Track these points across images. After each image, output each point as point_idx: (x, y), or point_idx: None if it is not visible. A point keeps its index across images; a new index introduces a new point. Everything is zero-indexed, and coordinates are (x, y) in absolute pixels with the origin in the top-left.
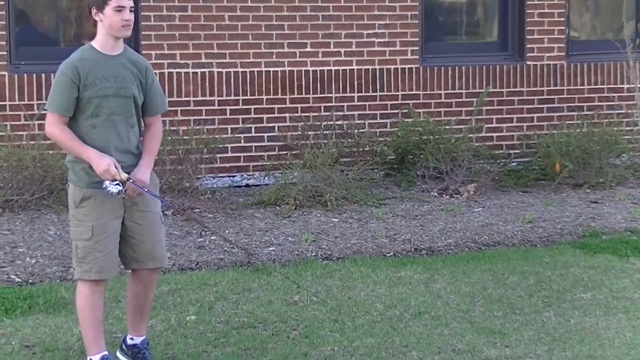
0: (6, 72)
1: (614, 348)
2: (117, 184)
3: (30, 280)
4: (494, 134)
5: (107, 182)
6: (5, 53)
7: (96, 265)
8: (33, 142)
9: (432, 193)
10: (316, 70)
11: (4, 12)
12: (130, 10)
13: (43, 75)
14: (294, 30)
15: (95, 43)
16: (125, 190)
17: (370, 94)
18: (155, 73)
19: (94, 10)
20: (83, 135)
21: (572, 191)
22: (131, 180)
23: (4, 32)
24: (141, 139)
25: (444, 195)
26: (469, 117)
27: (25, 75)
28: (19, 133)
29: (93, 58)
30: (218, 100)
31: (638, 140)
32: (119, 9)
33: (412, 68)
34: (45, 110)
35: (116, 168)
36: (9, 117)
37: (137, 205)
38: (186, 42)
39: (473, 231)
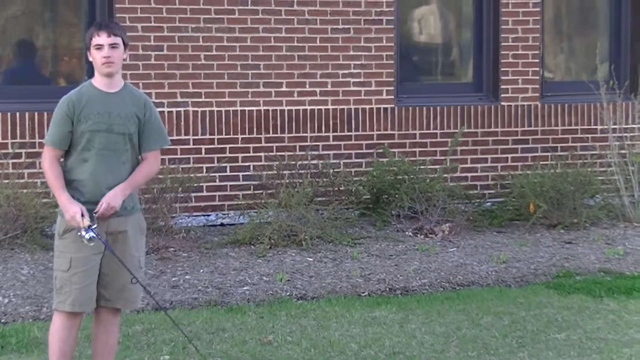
0: None
1: None
2: (91, 231)
3: (2, 320)
4: (469, 174)
5: (82, 231)
6: None
7: (70, 297)
8: (7, 181)
9: (407, 233)
10: (291, 110)
11: None
12: (113, 47)
13: (17, 114)
14: (269, 70)
15: (94, 80)
16: (97, 235)
17: (346, 133)
18: None
19: (87, 52)
20: (75, 168)
21: (546, 231)
22: (92, 227)
23: None
24: None
25: (418, 235)
26: (443, 157)
27: (0, 113)
28: None
29: (90, 94)
30: (193, 139)
31: (612, 181)
32: (98, 47)
33: (387, 108)
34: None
35: (83, 216)
36: None
37: (119, 244)
38: (162, 81)
39: (447, 271)
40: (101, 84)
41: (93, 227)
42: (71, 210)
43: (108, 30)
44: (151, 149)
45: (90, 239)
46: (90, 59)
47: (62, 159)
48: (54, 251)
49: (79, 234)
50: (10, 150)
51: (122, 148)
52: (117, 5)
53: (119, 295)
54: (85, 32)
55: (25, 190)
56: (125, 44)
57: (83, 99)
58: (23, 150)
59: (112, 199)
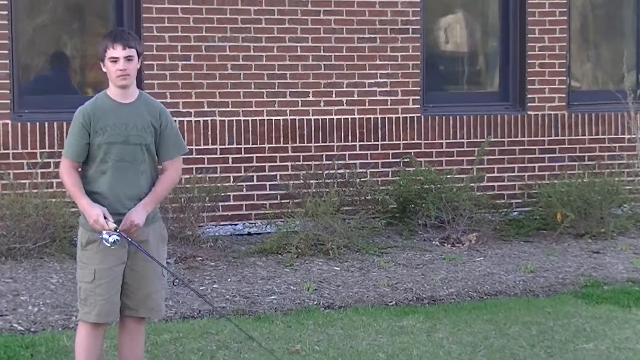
0: (9, 121)
1: None
2: (114, 234)
3: (32, 329)
4: (496, 184)
5: (103, 232)
6: (8, 101)
7: (95, 308)
8: (36, 191)
9: (433, 242)
10: (318, 119)
11: (7, 61)
12: (128, 59)
13: (46, 124)
14: (296, 79)
15: (109, 91)
16: (123, 237)
17: (372, 142)
18: None
19: (100, 63)
20: (93, 181)
21: (574, 241)
22: (118, 231)
23: (8, 81)
24: None
25: (445, 245)
26: (470, 167)
27: (29, 123)
28: (22, 181)
29: (106, 105)
30: (220, 149)
31: (639, 191)
32: (113, 59)
33: (413, 117)
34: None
35: (106, 219)
36: (12, 165)
37: (141, 254)
38: (189, 90)
39: (475, 280)
40: (116, 94)
41: (116, 230)
42: (93, 213)
43: (123, 42)
44: (170, 157)
45: (114, 242)
46: (104, 70)
47: (79, 170)
48: (77, 262)
49: (102, 237)
50: (39, 160)
51: (140, 158)
52: (144, 15)
53: (143, 304)
54: None
55: (54, 200)
56: (139, 54)
57: (99, 110)
58: (52, 160)
59: (136, 216)
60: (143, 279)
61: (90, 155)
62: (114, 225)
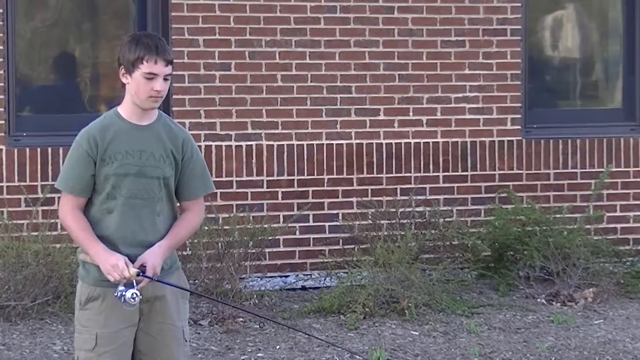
0: (4, 146)
1: None
2: (133, 289)
3: None
4: (618, 225)
5: (120, 287)
6: (2, 122)
7: None
8: (36, 234)
9: (538, 299)
10: (391, 144)
11: (1, 72)
12: (165, 79)
13: (49, 149)
14: (363, 94)
15: (122, 109)
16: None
17: (459, 173)
18: None
19: (122, 70)
20: (95, 222)
21: None
22: (142, 274)
23: (2, 96)
24: None
25: (554, 303)
26: (585, 204)
27: (28, 149)
28: (19, 222)
29: (117, 127)
30: (267, 181)
31: None
32: (150, 76)
33: (512, 141)
34: (55, 187)
35: (127, 265)
36: (6, 201)
37: (156, 313)
38: (228, 108)
39: (592, 350)
40: (132, 114)
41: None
42: (112, 259)
43: (166, 56)
44: (193, 197)
45: (133, 298)
46: (125, 81)
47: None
48: (75, 326)
49: (118, 292)
50: (41, 195)
51: (157, 195)
52: (173, 14)
53: None
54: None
55: (58, 246)
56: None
57: (108, 134)
58: (55, 195)
59: (154, 259)
60: (160, 345)
61: (95, 189)
62: (136, 270)
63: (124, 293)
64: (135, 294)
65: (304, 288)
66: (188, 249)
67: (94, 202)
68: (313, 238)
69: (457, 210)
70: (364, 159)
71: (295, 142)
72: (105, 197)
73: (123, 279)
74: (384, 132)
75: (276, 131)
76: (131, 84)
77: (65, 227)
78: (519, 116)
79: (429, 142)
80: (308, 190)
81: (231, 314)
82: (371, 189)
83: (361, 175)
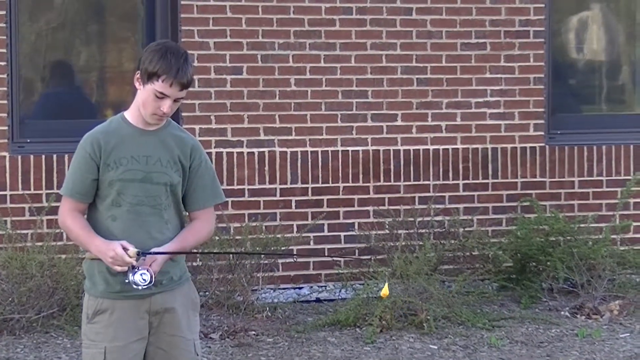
0: (7, 153)
1: None
2: (141, 270)
3: None
4: None
5: (129, 275)
6: (5, 128)
7: None
8: (40, 244)
9: (562, 312)
10: (409, 150)
11: (4, 75)
12: (175, 101)
13: (54, 157)
14: (380, 98)
15: (129, 114)
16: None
17: (480, 181)
18: None
19: (137, 75)
20: (99, 229)
21: None
22: (144, 257)
23: (5, 101)
24: None
25: (578, 316)
26: (611, 213)
27: (32, 156)
28: (23, 232)
29: (122, 132)
30: (281, 189)
31: None
32: (160, 95)
33: (535, 147)
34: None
35: (125, 249)
36: (9, 211)
37: (166, 325)
38: (240, 113)
39: None
40: (138, 119)
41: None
42: (109, 248)
43: (182, 80)
44: (202, 206)
45: (145, 280)
46: (138, 87)
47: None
48: (82, 340)
49: (128, 279)
50: (45, 204)
51: (164, 202)
52: (182, 15)
53: None
54: (142, 50)
55: (63, 256)
56: None
57: (112, 138)
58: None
59: (157, 249)
60: (172, 359)
61: (99, 196)
62: (136, 250)
63: (132, 278)
64: (143, 273)
65: (318, 300)
66: (198, 259)
67: (99, 208)
68: (328, 248)
69: (477, 219)
70: (380, 166)
71: (309, 149)
72: (110, 204)
73: (128, 264)
74: (401, 138)
75: (290, 137)
76: (142, 93)
77: (64, 230)
78: (542, 122)
79: (448, 149)
80: (323, 199)
81: (243, 326)
82: (388, 198)
83: (378, 183)
